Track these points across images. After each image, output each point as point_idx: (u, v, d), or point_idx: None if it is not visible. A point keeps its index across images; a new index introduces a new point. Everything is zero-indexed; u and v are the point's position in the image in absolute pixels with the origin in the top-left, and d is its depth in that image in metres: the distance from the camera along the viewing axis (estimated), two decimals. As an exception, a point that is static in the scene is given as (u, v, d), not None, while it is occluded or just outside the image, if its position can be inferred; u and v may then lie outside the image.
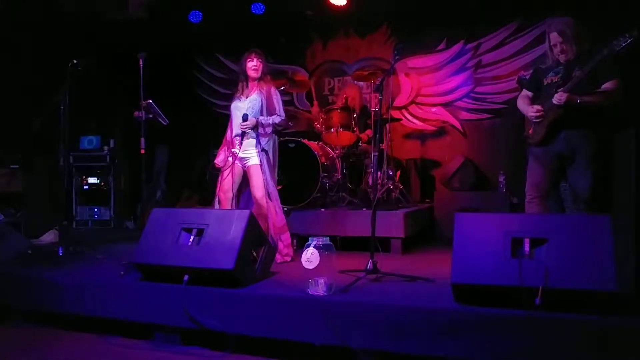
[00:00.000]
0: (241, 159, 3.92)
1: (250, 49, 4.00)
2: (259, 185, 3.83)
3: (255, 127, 3.85)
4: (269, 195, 3.84)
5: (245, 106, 3.91)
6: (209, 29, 6.66)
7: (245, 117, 3.80)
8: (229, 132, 4.03)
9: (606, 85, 3.23)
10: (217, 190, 3.93)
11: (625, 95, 3.27)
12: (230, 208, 3.85)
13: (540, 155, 3.48)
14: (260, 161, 3.85)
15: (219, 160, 3.99)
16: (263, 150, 3.86)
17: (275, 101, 3.95)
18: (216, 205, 3.93)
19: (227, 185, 3.90)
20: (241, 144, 3.81)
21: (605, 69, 3.19)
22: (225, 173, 3.87)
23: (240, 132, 3.82)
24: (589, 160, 3.30)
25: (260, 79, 3.95)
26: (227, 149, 3.97)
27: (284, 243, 3.90)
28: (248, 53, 3.97)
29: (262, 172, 3.84)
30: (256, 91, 3.92)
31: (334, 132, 5.10)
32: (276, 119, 3.91)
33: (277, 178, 4.03)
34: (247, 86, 3.98)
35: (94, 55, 5.80)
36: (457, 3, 5.78)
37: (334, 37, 6.76)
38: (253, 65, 3.93)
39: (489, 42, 5.99)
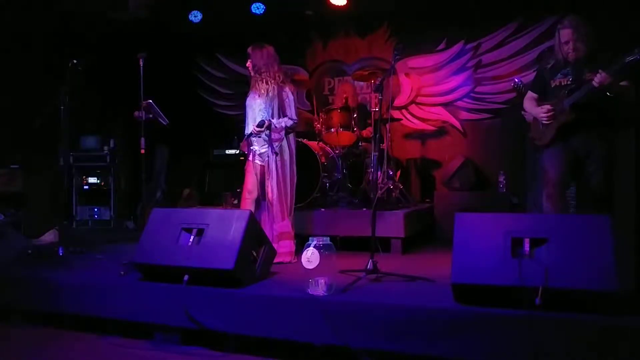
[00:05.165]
0: (259, 157, 3.95)
1: None
2: (267, 186, 3.85)
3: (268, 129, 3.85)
4: (278, 198, 3.83)
5: (258, 105, 3.91)
6: (209, 29, 6.65)
7: (261, 124, 3.82)
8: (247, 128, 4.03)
9: (624, 83, 3.23)
10: (243, 190, 3.97)
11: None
12: (253, 208, 3.86)
13: (553, 155, 3.46)
14: (269, 164, 3.86)
15: (243, 145, 4.06)
16: (274, 152, 3.84)
17: (286, 103, 3.90)
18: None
19: (250, 185, 3.93)
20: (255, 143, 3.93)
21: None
22: (248, 173, 3.94)
23: (254, 133, 3.88)
24: (601, 160, 3.30)
25: (267, 77, 3.89)
26: (247, 145, 4.01)
27: (281, 250, 3.75)
28: None
29: (270, 174, 3.84)
30: (270, 91, 3.88)
31: (334, 132, 5.10)
32: (288, 122, 3.88)
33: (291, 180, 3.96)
34: (253, 83, 3.99)
35: (94, 55, 5.80)
36: (457, 3, 5.78)
37: (334, 37, 6.75)
38: (247, 64, 4.00)
39: (489, 42, 5.99)
